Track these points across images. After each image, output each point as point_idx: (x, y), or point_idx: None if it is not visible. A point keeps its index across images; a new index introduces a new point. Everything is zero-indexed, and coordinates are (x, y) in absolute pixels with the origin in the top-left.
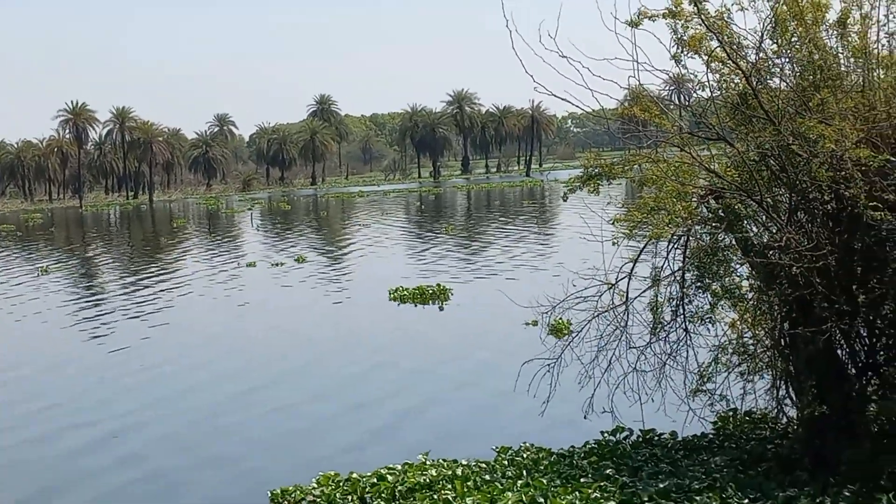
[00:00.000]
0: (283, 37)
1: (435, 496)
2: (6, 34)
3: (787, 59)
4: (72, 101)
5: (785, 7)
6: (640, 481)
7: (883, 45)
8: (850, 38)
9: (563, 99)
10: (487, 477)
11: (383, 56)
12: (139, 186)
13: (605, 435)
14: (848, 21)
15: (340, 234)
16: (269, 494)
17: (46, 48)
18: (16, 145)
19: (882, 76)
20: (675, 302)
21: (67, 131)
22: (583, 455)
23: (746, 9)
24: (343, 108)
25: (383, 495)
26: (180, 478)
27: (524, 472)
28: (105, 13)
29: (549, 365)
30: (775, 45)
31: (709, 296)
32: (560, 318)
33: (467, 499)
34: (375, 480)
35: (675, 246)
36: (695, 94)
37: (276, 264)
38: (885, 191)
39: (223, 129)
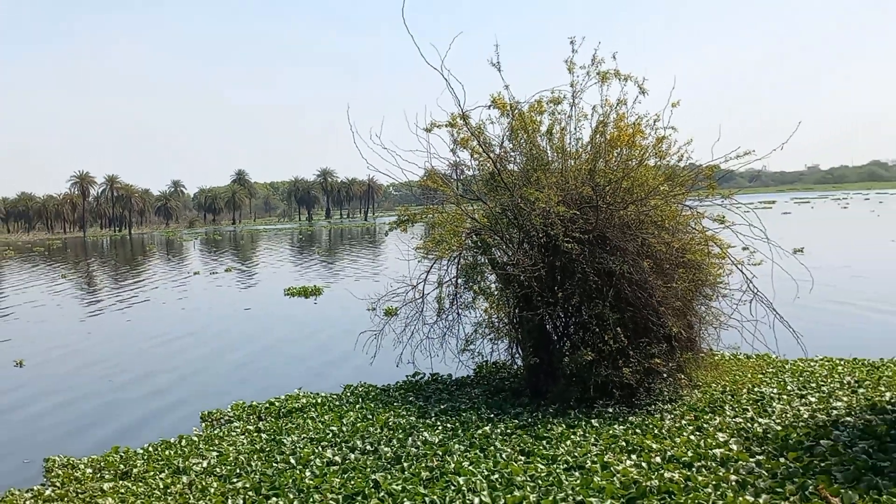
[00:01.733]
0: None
1: (304, 415)
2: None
3: (518, 153)
4: (79, 170)
5: (515, 122)
6: (429, 404)
7: (572, 146)
8: (554, 142)
9: (385, 174)
10: (338, 403)
11: (284, 144)
12: (122, 224)
13: (409, 377)
14: (553, 131)
15: (253, 254)
16: (200, 414)
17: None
18: (41, 198)
19: (572, 164)
20: (451, 297)
21: (76, 189)
22: (395, 389)
23: (494, 122)
24: (253, 177)
25: (272, 414)
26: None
27: (360, 400)
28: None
29: (375, 334)
30: (511, 144)
31: (472, 293)
32: (390, 306)
33: (325, 416)
34: (267, 405)
35: (452, 262)
36: (465, 172)
37: (212, 272)
38: (573, 231)
39: (177, 189)
